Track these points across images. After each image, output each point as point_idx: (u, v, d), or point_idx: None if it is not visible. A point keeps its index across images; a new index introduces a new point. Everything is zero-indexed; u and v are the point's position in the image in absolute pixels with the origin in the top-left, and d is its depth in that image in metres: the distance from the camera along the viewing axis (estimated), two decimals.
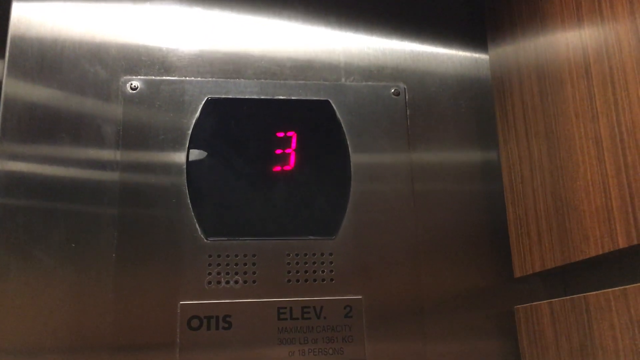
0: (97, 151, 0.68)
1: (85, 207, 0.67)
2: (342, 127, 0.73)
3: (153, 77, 0.71)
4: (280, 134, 0.72)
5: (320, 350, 0.66)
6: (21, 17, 0.71)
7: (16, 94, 0.69)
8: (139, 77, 0.71)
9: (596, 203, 0.55)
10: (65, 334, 0.63)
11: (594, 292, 0.55)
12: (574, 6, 0.59)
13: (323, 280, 0.68)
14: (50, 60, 0.70)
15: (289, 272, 0.68)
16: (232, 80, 0.73)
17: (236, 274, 0.67)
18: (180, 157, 0.69)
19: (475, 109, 0.77)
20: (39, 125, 0.68)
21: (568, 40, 0.60)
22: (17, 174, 0.66)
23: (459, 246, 0.72)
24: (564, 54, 0.61)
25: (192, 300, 0.65)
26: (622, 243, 0.52)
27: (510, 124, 0.72)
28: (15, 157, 0.67)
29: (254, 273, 0.67)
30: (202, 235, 0.67)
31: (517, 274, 0.70)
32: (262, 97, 0.73)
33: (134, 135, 0.69)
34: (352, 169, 0.72)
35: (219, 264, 0.67)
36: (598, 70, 0.55)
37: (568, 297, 0.59)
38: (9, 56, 0.70)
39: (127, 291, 0.65)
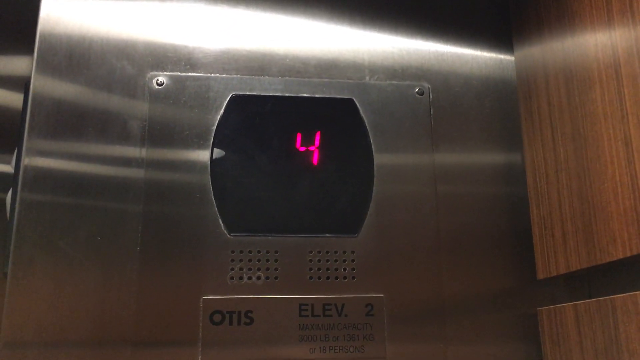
0: (122, 146, 0.69)
1: (111, 202, 0.67)
2: (365, 126, 0.73)
3: (179, 73, 0.72)
4: (304, 132, 0.72)
5: (340, 347, 0.66)
6: (50, 13, 0.72)
7: (44, 89, 0.70)
8: (165, 73, 0.72)
9: (625, 205, 0.55)
10: (89, 327, 0.64)
11: (621, 295, 0.55)
12: (604, 6, 0.58)
13: (345, 277, 0.68)
14: (78, 56, 0.71)
15: (310, 269, 0.68)
16: (256, 77, 0.73)
17: (258, 269, 0.67)
18: (204, 153, 0.70)
19: (500, 109, 0.76)
20: (66, 121, 0.69)
21: (597, 41, 0.59)
22: (44, 169, 0.67)
23: (481, 247, 0.71)
24: (593, 54, 0.60)
25: (214, 295, 0.66)
26: None
27: (536, 125, 0.71)
28: (42, 152, 0.68)
29: (276, 269, 0.68)
30: (225, 231, 0.68)
31: (540, 275, 0.69)
32: (287, 94, 0.73)
33: (159, 130, 0.70)
34: (375, 168, 0.72)
35: (241, 260, 0.67)
36: (629, 71, 0.54)
37: (594, 300, 0.59)
38: (38, 52, 0.71)
39: (151, 285, 0.65)
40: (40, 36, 0.71)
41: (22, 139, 0.69)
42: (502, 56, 0.79)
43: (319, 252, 0.69)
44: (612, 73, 0.57)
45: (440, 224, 0.71)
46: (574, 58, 0.64)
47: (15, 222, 0.66)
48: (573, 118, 0.63)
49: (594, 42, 0.60)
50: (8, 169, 0.80)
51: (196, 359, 0.64)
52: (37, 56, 0.71)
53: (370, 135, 0.73)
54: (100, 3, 0.73)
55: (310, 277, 0.68)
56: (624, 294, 0.54)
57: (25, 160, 0.67)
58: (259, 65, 0.74)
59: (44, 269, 0.64)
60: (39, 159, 0.67)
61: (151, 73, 0.72)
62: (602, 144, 0.58)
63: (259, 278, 0.67)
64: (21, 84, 0.82)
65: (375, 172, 0.72)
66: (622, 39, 0.56)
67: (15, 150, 0.75)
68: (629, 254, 0.54)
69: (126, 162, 0.69)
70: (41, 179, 0.67)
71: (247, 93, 0.73)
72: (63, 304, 0.64)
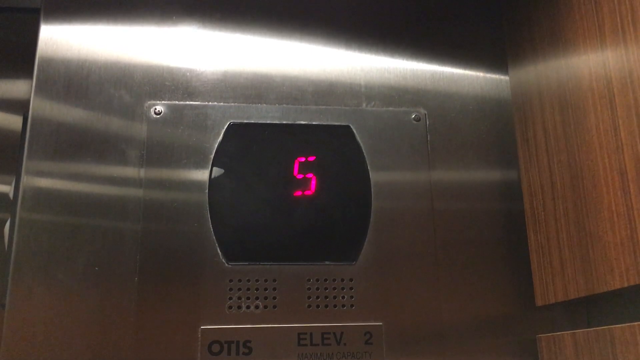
0: (121, 175, 0.69)
1: (108, 234, 0.67)
2: (362, 152, 0.74)
3: (177, 102, 0.73)
4: (302, 159, 0.72)
5: None
6: (49, 39, 0.73)
7: (43, 114, 0.70)
8: (163, 101, 0.72)
9: (621, 235, 0.55)
10: (88, 357, 0.63)
11: (620, 325, 0.55)
12: (597, 35, 0.59)
13: (343, 306, 0.68)
14: (76, 85, 0.72)
15: (309, 297, 0.68)
16: (254, 105, 0.74)
17: (257, 298, 0.67)
18: (202, 182, 0.70)
19: (496, 133, 0.77)
20: (64, 147, 0.69)
21: (591, 70, 0.60)
22: (43, 191, 0.67)
23: (480, 273, 0.71)
24: (587, 83, 0.61)
25: (212, 325, 0.66)
26: None
27: (532, 151, 0.72)
28: (41, 175, 0.68)
29: (274, 298, 0.68)
30: (223, 260, 0.68)
31: (539, 302, 0.69)
32: (284, 122, 0.74)
33: (157, 159, 0.70)
34: (372, 195, 0.72)
35: (239, 289, 0.67)
36: (622, 101, 0.55)
37: (592, 329, 0.59)
38: (37, 77, 0.71)
39: (149, 315, 0.65)
40: (39, 64, 0.72)
41: (21, 164, 0.69)
42: (497, 80, 0.79)
43: (318, 280, 0.69)
44: (606, 103, 0.57)
45: (439, 250, 0.71)
46: (569, 86, 0.64)
47: (13, 251, 0.66)
48: (569, 146, 0.64)
49: (587, 72, 0.61)
50: (7, 189, 0.80)
51: None
52: (36, 84, 0.71)
53: (368, 162, 0.73)
54: (98, 30, 0.74)
55: (309, 306, 0.68)
56: (623, 325, 0.54)
57: (25, 183, 0.67)
58: (256, 92, 0.75)
59: (42, 299, 0.64)
60: (38, 180, 0.68)
61: (149, 102, 0.72)
62: (598, 174, 0.58)
63: (257, 307, 0.67)
64: (20, 106, 0.82)
65: (372, 199, 0.72)
66: (615, 69, 0.56)
67: (14, 180, 0.75)
68: (626, 285, 0.54)
69: (125, 191, 0.69)
70: (40, 203, 0.67)
71: (245, 121, 0.73)
72: (61, 334, 0.64)
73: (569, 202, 0.63)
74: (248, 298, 0.67)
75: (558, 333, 0.65)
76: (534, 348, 0.69)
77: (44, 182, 0.68)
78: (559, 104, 0.66)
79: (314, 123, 0.74)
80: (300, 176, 0.72)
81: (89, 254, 0.66)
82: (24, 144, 0.70)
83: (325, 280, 0.69)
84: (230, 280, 0.67)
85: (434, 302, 0.69)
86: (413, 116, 0.76)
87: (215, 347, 0.65)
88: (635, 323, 0.52)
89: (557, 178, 0.66)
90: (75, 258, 0.66)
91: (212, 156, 0.71)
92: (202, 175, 0.70)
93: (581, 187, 0.61)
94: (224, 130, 0.72)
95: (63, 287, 0.65)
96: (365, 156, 0.73)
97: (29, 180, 0.67)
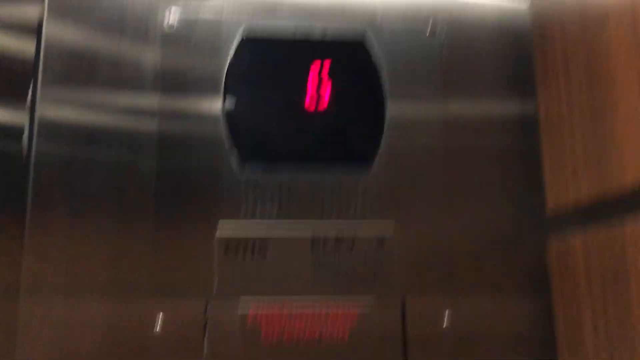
0: (135, 85, 0.70)
1: (124, 142, 0.68)
2: (377, 68, 0.73)
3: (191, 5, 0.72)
4: (316, 71, 0.72)
5: (352, 281, 0.67)
6: None
7: (57, 34, 0.70)
8: (177, 6, 0.72)
9: (636, 139, 0.55)
10: (109, 254, 0.65)
11: (630, 227, 0.55)
12: None
13: (356, 212, 0.69)
14: None
15: (323, 204, 0.69)
16: (268, 19, 0.73)
17: (271, 206, 0.68)
18: (217, 95, 0.70)
19: (513, 54, 0.76)
20: (79, 66, 0.69)
21: None
22: (57, 118, 0.68)
23: (491, 183, 0.72)
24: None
25: (227, 232, 0.67)
26: None
27: (549, 59, 0.71)
28: (56, 101, 0.68)
29: (288, 206, 0.69)
30: (238, 166, 0.69)
31: (550, 205, 0.70)
32: (298, 35, 0.73)
33: (172, 74, 0.70)
34: (386, 108, 0.72)
35: (254, 194, 0.68)
36: None
37: (602, 231, 0.60)
38: None
39: (166, 223, 0.67)
40: None
41: (35, 92, 0.69)
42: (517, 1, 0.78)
43: (332, 187, 0.70)
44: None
45: (451, 159, 0.72)
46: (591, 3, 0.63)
47: (30, 184, 0.66)
48: (589, 55, 0.63)
49: None
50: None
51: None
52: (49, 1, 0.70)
53: (382, 77, 0.73)
54: None
55: (323, 213, 0.69)
56: (634, 227, 0.55)
57: (39, 112, 0.68)
58: (270, 7, 0.74)
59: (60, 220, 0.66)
60: (53, 108, 0.68)
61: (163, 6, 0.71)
62: (615, 73, 0.58)
63: (270, 216, 0.68)
64: (32, 30, 0.81)
65: (386, 112, 0.72)
66: None
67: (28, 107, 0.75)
68: (638, 183, 0.54)
69: (139, 99, 0.69)
70: (55, 130, 0.67)
71: (258, 36, 0.72)
72: (80, 254, 0.65)
73: (584, 104, 0.63)
74: (263, 205, 0.68)
75: (569, 236, 0.66)
76: (543, 258, 0.70)
77: (59, 111, 0.68)
78: (579, 16, 0.65)
79: (328, 39, 0.74)
80: (314, 87, 0.72)
81: (105, 163, 0.67)
82: (37, 68, 0.70)
83: (340, 187, 0.70)
84: (245, 187, 0.68)
85: (446, 212, 0.70)
86: (428, 32, 0.75)
87: (231, 251, 0.67)
88: None
89: (575, 85, 0.65)
90: (91, 167, 0.67)
91: (225, 71, 0.71)
92: (216, 89, 0.70)
93: (596, 89, 0.61)
94: (237, 45, 0.72)
95: (78, 215, 0.66)
96: (379, 72, 0.73)
97: (44, 108, 0.68)
